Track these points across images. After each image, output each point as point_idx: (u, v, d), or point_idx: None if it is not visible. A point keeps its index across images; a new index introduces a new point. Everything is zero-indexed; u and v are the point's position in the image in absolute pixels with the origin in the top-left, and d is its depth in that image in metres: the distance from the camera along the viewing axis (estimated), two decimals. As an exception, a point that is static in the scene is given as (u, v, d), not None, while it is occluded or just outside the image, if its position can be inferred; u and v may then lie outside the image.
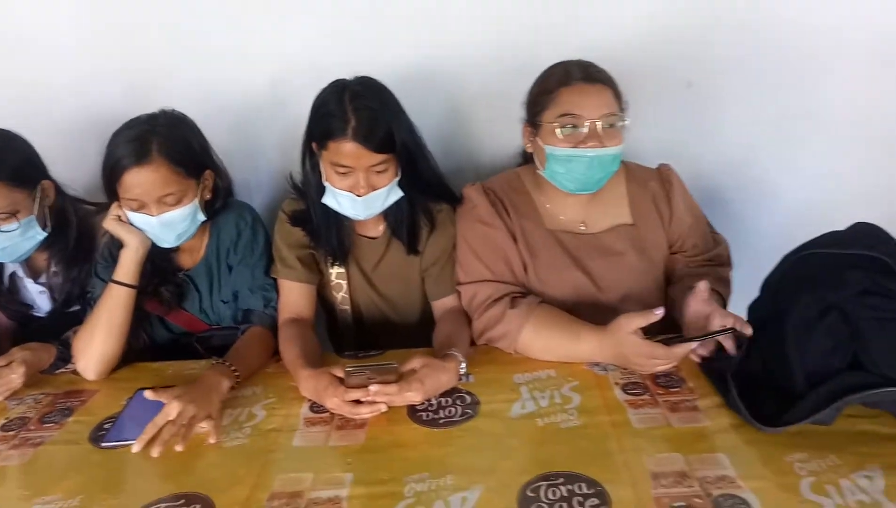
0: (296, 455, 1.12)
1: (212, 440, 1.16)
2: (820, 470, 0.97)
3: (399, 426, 1.18)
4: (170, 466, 1.11)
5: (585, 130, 1.31)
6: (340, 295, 1.57)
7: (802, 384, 1.07)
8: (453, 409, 1.21)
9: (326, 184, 1.40)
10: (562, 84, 1.34)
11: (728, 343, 1.24)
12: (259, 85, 1.78)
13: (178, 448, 1.12)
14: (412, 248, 1.50)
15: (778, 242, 1.27)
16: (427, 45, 1.73)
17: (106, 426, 1.24)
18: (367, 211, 1.40)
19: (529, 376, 1.30)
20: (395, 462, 1.08)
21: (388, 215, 1.49)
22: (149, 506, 1.02)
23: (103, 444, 1.20)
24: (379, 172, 1.36)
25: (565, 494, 0.97)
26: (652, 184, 1.49)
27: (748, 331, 1.18)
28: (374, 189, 1.36)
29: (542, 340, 1.33)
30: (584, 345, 1.29)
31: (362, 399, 1.18)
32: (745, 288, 1.31)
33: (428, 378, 1.20)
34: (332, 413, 1.22)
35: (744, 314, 1.27)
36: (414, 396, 1.18)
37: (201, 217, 1.46)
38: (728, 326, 1.19)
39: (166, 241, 1.44)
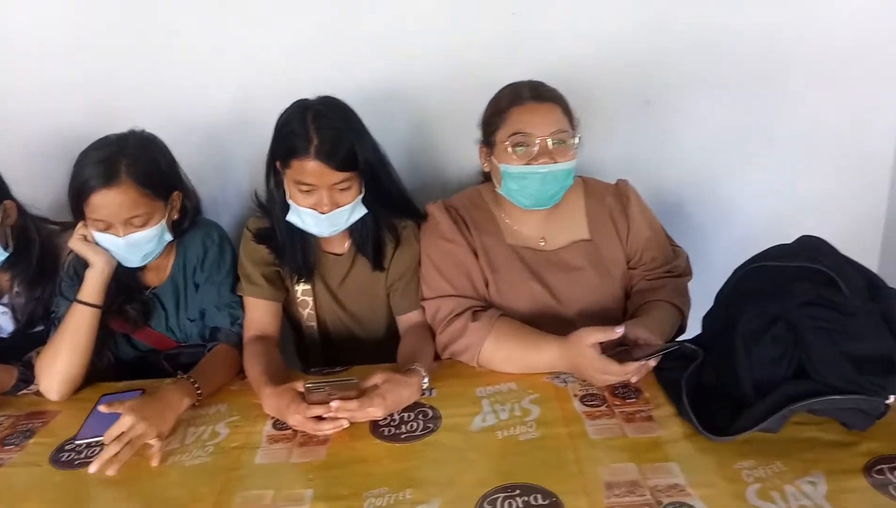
0: (258, 472, 1.13)
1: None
2: (766, 477, 1.00)
3: (361, 441, 1.19)
4: (131, 486, 1.12)
5: (536, 147, 1.35)
6: (307, 312, 1.59)
7: (751, 393, 1.10)
8: (415, 423, 1.22)
9: (290, 202, 1.41)
10: (513, 104, 1.39)
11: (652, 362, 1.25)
12: (227, 103, 1.79)
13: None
14: (377, 264, 1.52)
15: (736, 254, 1.31)
16: (392, 64, 1.77)
17: (67, 447, 1.24)
18: (330, 228, 1.42)
19: (491, 389, 1.32)
20: (356, 477, 1.10)
21: (354, 231, 1.51)
22: (109, 526, 1.03)
23: (77, 440, 1.24)
24: (342, 189, 1.38)
25: (521, 505, 0.99)
26: (609, 199, 1.52)
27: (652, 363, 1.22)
28: (338, 206, 1.38)
29: (503, 351, 1.36)
30: (544, 354, 1.32)
31: (324, 416, 1.20)
32: (706, 299, 1.34)
33: (389, 394, 1.22)
34: (294, 430, 1.22)
35: (699, 325, 1.32)
36: (375, 411, 1.20)
37: (168, 237, 1.46)
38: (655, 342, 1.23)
39: (132, 261, 1.44)
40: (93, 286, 1.42)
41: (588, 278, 1.47)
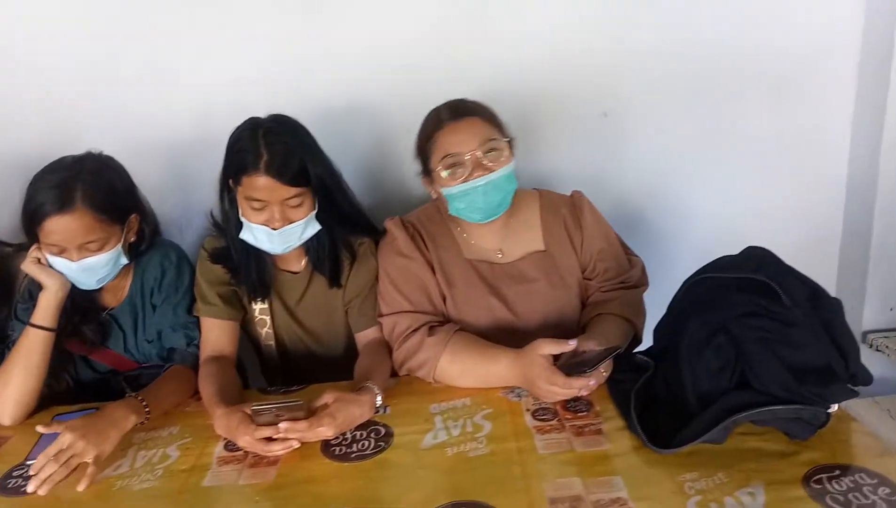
0: (204, 495, 1.12)
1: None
2: (707, 489, 1.01)
3: (311, 461, 1.18)
4: (76, 512, 1.11)
5: (469, 164, 1.36)
6: (265, 331, 1.58)
7: (695, 405, 1.11)
8: (366, 442, 1.22)
9: (243, 219, 1.41)
10: (436, 129, 1.40)
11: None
12: (188, 122, 1.80)
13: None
14: (334, 281, 1.52)
15: (694, 263, 1.31)
16: (352, 80, 1.78)
17: (15, 473, 1.23)
18: (283, 245, 1.42)
19: (446, 405, 1.32)
20: (303, 497, 1.09)
21: (310, 249, 1.51)
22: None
23: (28, 461, 1.24)
24: (293, 205, 1.38)
25: (465, 522, 0.99)
26: (563, 210, 1.53)
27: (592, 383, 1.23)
28: (290, 222, 1.38)
29: (458, 364, 1.36)
30: (499, 366, 1.32)
31: (273, 437, 1.19)
32: (665, 309, 1.34)
33: (340, 412, 1.22)
34: (246, 451, 1.22)
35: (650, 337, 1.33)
36: (325, 431, 1.19)
37: (124, 261, 1.46)
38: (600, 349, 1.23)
39: (87, 284, 1.44)
40: (46, 309, 1.41)
41: (543, 289, 1.47)
